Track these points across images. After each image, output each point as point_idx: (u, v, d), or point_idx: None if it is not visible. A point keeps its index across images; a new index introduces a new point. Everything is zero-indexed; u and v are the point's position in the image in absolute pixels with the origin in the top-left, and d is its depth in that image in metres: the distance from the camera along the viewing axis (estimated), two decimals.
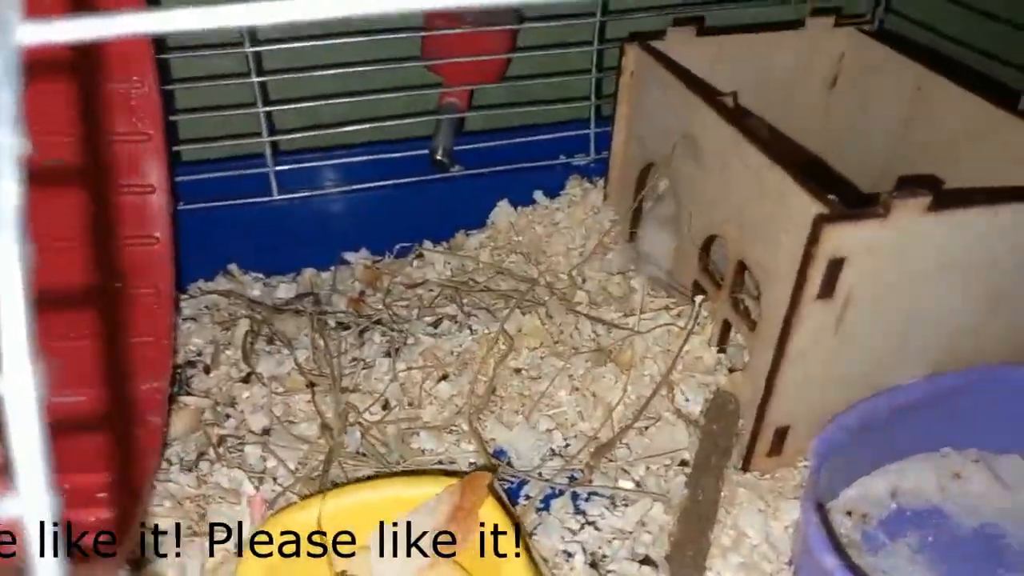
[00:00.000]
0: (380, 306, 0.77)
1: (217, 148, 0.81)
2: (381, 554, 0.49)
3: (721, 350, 0.68)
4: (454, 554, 0.49)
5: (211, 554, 0.54)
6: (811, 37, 0.82)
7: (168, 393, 0.60)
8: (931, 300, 0.56)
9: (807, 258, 0.52)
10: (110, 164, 0.61)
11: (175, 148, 0.75)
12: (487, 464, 0.60)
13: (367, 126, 0.81)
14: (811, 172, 0.55)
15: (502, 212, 0.87)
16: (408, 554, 0.49)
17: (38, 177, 0.58)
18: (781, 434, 0.60)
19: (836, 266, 0.52)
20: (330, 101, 0.79)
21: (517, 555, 0.47)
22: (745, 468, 0.61)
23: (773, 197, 0.57)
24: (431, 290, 0.80)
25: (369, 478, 0.59)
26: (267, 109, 0.77)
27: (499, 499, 0.51)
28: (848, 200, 0.53)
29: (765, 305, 0.59)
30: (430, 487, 0.51)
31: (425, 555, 0.48)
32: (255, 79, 0.75)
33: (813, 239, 0.51)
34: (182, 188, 0.77)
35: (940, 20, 0.87)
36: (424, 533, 0.49)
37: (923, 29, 0.87)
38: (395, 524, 0.49)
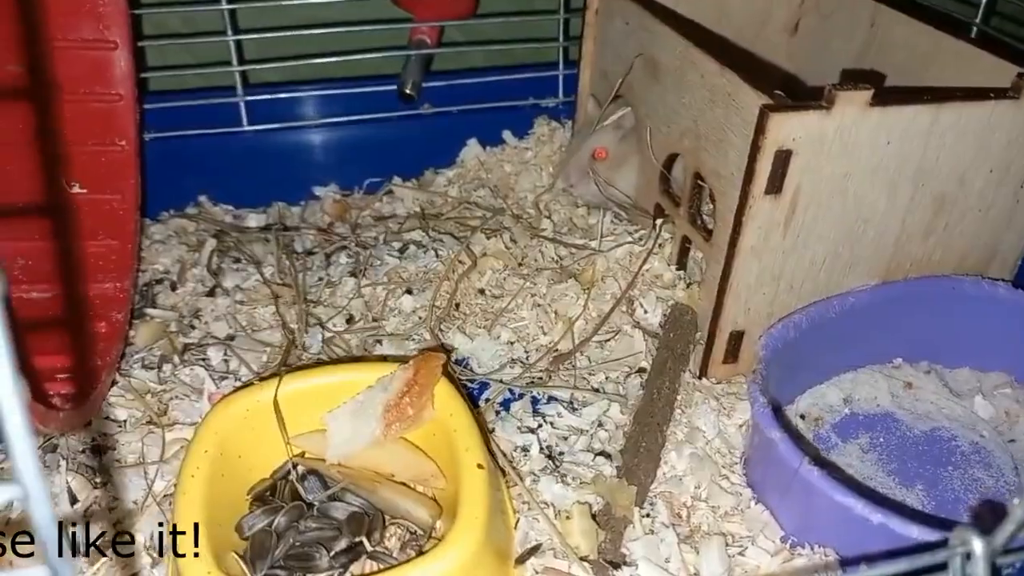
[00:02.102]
0: (348, 235, 0.78)
1: (187, 77, 0.82)
2: (335, 429, 0.50)
3: (681, 267, 0.69)
4: (406, 427, 0.49)
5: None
6: None
7: (130, 292, 0.61)
8: (878, 200, 0.58)
9: (754, 150, 0.53)
10: (75, 70, 0.62)
11: (143, 75, 0.76)
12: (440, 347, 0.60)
13: (338, 59, 0.82)
14: (759, 74, 0.57)
15: (471, 151, 0.88)
16: (361, 428, 0.49)
17: None
18: (736, 339, 0.61)
19: (783, 158, 0.53)
20: (300, 32, 0.80)
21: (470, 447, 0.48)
22: (702, 375, 0.63)
23: (723, 101, 0.59)
24: (400, 222, 0.81)
25: None
26: (237, 38, 0.78)
27: (453, 383, 0.52)
28: (795, 97, 0.54)
29: (719, 211, 0.61)
30: (385, 369, 0.51)
31: (376, 428, 0.49)
32: (225, 6, 0.76)
33: (759, 130, 0.53)
34: (151, 117, 0.77)
35: None
36: (374, 410, 0.49)
37: None
38: (349, 404, 0.50)
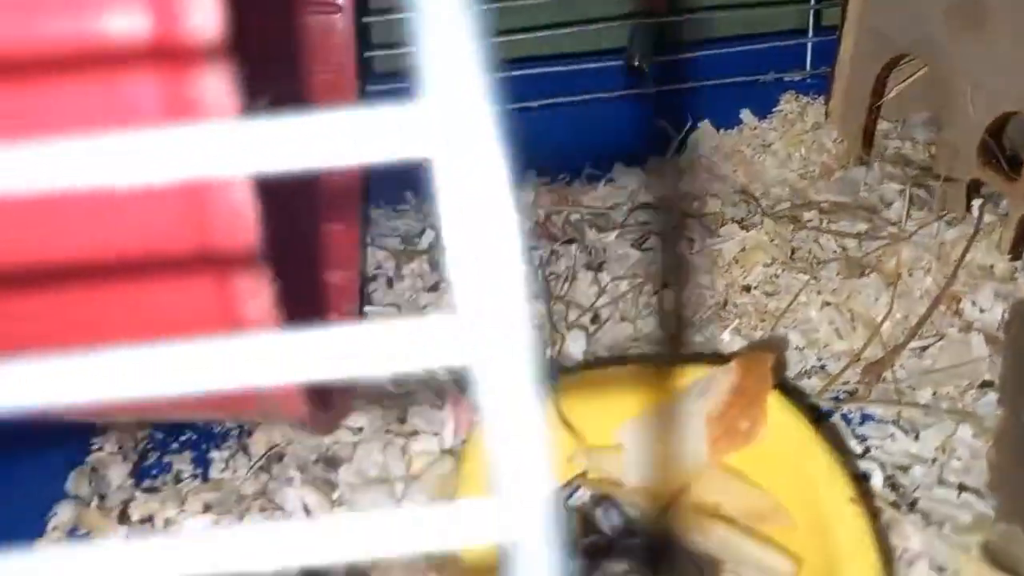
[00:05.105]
0: (570, 228, 0.68)
1: (384, 57, 0.75)
2: (636, 451, 0.39)
3: (1015, 257, 0.54)
4: (736, 445, 0.38)
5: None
6: None
7: (359, 284, 0.53)
8: None
9: None
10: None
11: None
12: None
13: (550, 32, 0.73)
14: None
15: (703, 134, 0.76)
16: (672, 451, 0.38)
17: None
18: None
19: None
20: (503, 4, 0.72)
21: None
22: None
23: None
24: (625, 215, 0.70)
25: None
26: None
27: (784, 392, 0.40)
28: None
29: None
30: (696, 370, 0.40)
31: (698, 445, 0.38)
32: None
33: None
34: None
35: None
36: (692, 423, 0.38)
37: None
38: (653, 413, 0.39)
